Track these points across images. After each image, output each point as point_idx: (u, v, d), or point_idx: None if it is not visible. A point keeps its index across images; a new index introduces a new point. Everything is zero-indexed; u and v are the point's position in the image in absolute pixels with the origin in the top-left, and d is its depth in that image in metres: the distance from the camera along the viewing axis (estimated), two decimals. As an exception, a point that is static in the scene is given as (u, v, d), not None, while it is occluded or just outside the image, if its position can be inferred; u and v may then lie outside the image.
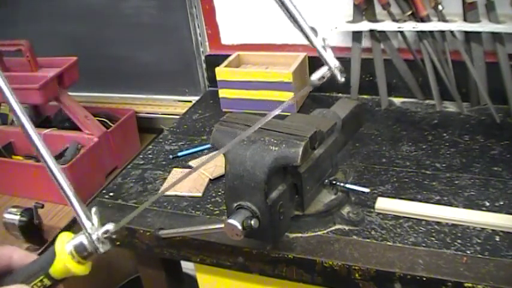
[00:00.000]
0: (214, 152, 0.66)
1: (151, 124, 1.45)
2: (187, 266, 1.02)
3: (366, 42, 1.12)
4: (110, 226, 0.47)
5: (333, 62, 0.52)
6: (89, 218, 0.47)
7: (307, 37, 0.52)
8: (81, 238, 0.47)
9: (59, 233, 0.48)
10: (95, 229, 0.47)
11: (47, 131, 1.31)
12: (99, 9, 1.39)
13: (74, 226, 1.15)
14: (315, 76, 0.53)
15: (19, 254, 0.52)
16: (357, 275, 0.70)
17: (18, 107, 0.47)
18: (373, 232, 0.75)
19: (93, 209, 0.48)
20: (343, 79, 0.52)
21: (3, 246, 0.52)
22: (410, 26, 1.04)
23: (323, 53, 0.52)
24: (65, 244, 0.48)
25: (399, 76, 1.13)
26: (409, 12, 1.03)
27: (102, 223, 0.48)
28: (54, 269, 0.48)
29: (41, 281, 0.48)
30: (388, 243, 0.73)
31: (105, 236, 0.47)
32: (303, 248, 0.74)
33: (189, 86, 1.42)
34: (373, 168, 0.90)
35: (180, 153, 1.02)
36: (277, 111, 0.56)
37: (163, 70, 1.42)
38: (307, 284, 0.75)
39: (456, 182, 0.84)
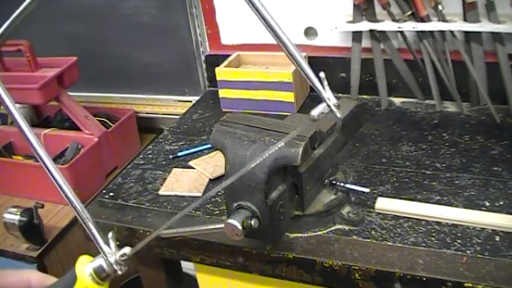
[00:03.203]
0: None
1: (151, 124, 1.45)
2: (187, 266, 1.02)
3: (366, 42, 1.12)
4: (126, 250, 0.50)
5: (332, 100, 0.56)
6: (107, 243, 0.50)
7: (308, 77, 0.57)
8: (100, 261, 0.50)
9: (79, 256, 0.52)
10: (113, 252, 0.50)
11: (47, 131, 1.31)
12: (99, 9, 1.39)
13: (74, 226, 1.15)
14: (315, 112, 0.57)
15: (37, 277, 0.54)
16: (357, 275, 0.70)
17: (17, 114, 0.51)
18: (373, 232, 0.75)
19: (110, 234, 0.51)
20: (339, 115, 0.57)
21: (22, 269, 0.54)
22: (410, 26, 1.04)
23: (322, 90, 0.56)
24: (85, 267, 0.51)
25: (399, 76, 1.13)
26: (409, 12, 1.03)
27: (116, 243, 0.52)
28: None
29: None
30: (388, 243, 0.73)
31: (122, 259, 0.50)
32: (303, 248, 0.74)
33: (189, 86, 1.42)
34: (373, 168, 0.90)
35: (180, 153, 1.02)
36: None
37: (163, 70, 1.42)
38: (307, 284, 0.75)
39: (456, 182, 0.84)
